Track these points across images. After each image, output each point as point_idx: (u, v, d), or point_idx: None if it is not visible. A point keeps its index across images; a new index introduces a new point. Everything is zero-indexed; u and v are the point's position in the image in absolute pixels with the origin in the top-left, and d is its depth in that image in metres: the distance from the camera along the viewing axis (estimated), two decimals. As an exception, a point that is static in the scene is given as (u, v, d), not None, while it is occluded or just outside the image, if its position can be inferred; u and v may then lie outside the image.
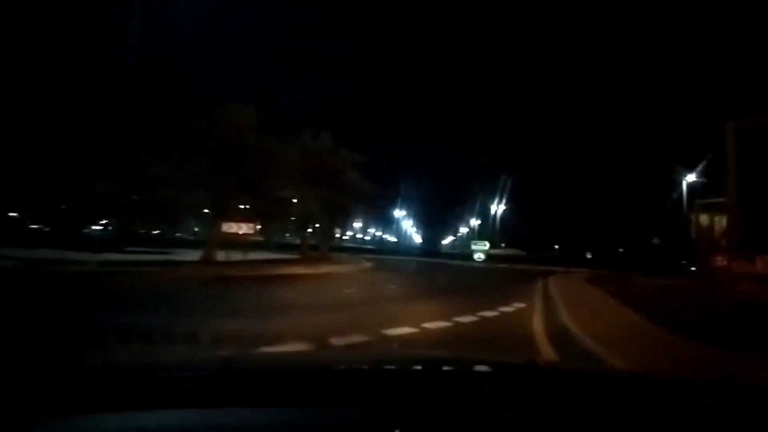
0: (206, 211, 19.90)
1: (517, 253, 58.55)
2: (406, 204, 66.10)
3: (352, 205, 28.35)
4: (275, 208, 21.03)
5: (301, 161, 23.55)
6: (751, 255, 26.05)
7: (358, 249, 59.64)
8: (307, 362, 2.00)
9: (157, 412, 1.06)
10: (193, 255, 20.32)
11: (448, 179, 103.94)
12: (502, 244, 59.26)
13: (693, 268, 31.35)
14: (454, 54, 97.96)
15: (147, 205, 19.42)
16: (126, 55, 19.15)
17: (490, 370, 1.76)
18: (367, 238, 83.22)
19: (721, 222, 30.87)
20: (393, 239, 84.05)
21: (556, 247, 69.38)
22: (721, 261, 29.00)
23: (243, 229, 20.87)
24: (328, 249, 35.36)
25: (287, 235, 42.11)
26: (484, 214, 59.15)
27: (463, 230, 76.08)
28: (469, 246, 54.08)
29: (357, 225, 68.77)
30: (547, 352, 6.29)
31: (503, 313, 10.35)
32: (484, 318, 9.35)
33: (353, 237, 78.30)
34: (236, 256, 20.14)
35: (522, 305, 12.04)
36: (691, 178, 31.58)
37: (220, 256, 20.06)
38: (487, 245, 49.16)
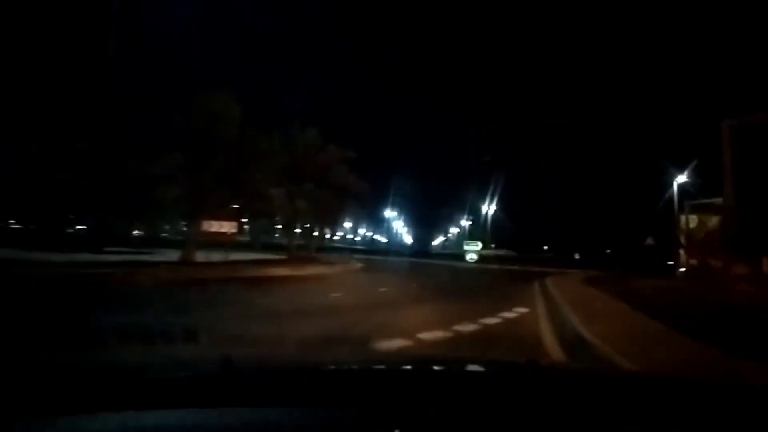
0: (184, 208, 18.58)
1: (508, 254, 58.27)
2: (397, 204, 65.33)
3: (340, 204, 27.16)
4: (258, 205, 19.73)
5: (287, 156, 22.41)
6: (757, 257, 25.47)
7: (348, 249, 58.88)
8: (307, 362, 1.98)
9: (157, 412, 1.05)
10: (175, 255, 19.10)
11: (438, 179, 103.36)
12: (492, 245, 58.66)
13: (682, 269, 31.19)
14: (447, 54, 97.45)
15: (120, 203, 18.10)
16: (109, 45, 17.93)
17: (490, 370, 1.77)
18: (358, 238, 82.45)
19: (708, 223, 30.43)
20: (383, 240, 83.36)
21: (546, 247, 69.52)
22: (716, 262, 28.77)
23: (225, 227, 19.65)
24: (316, 249, 34.23)
25: (276, 235, 40.97)
26: (475, 215, 58.43)
27: (454, 231, 75.51)
28: (460, 246, 53.67)
29: (347, 225, 68.08)
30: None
31: (506, 320, 9.35)
32: (486, 326, 8.34)
33: (343, 237, 77.68)
34: (217, 256, 18.97)
35: (525, 310, 11.08)
36: (682, 179, 31.16)
37: (201, 256, 18.88)
38: (479, 245, 48.44)
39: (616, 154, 75.96)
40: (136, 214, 19.70)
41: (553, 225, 67.56)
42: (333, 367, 1.75)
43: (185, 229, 34.45)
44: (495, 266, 42.07)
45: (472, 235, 53.36)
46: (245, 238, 49.80)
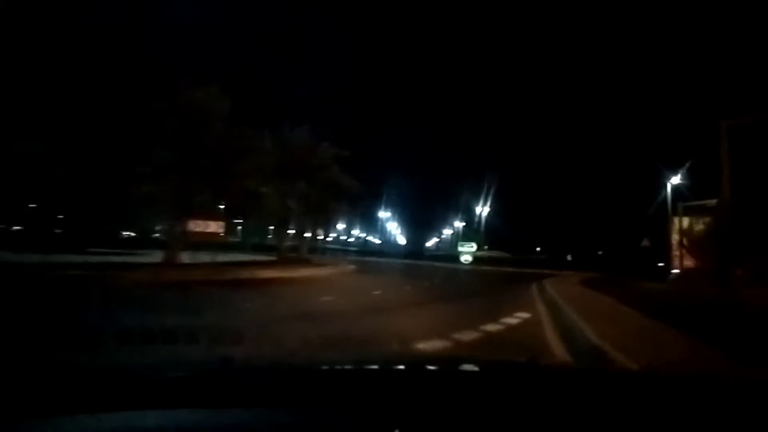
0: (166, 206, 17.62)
1: (501, 255, 58.01)
2: (391, 205, 64.72)
3: (332, 203, 26.36)
4: (247, 204, 18.87)
5: (278, 154, 21.60)
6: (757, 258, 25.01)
7: (341, 251, 58.33)
8: (307, 362, 1.99)
9: (157, 412, 1.04)
10: (162, 257, 18.20)
11: (431, 180, 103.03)
12: (485, 246, 58.26)
13: (675, 271, 30.63)
14: (442, 55, 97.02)
15: (100, 201, 17.22)
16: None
17: (490, 369, 1.77)
18: (351, 239, 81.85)
19: (698, 225, 29.77)
20: (377, 241, 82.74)
21: (538, 249, 69.45)
22: (711, 264, 28.49)
23: (212, 227, 18.81)
24: (308, 250, 33.41)
25: (269, 236, 40.11)
26: (468, 216, 57.87)
27: (447, 232, 75.04)
28: (454, 248, 53.21)
29: (340, 226, 67.47)
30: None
31: (509, 327, 8.65)
32: (488, 334, 7.65)
33: (336, 238, 77.03)
34: (203, 257, 18.13)
35: (527, 315, 10.41)
36: (675, 180, 30.90)
37: (186, 257, 18.03)
38: (474, 247, 47.88)
39: (609, 156, 76.01)
40: (117, 212, 18.82)
41: (546, 226, 67.43)
42: (333, 367, 1.73)
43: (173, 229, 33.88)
44: (489, 268, 41.60)
45: (465, 236, 52.81)
46: (237, 239, 49.24)
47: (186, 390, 1.18)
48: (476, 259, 46.56)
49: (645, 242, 37.50)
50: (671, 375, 2.18)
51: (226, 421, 1.03)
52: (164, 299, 9.79)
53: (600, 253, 60.75)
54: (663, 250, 33.41)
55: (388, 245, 78.06)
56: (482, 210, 54.86)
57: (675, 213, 31.21)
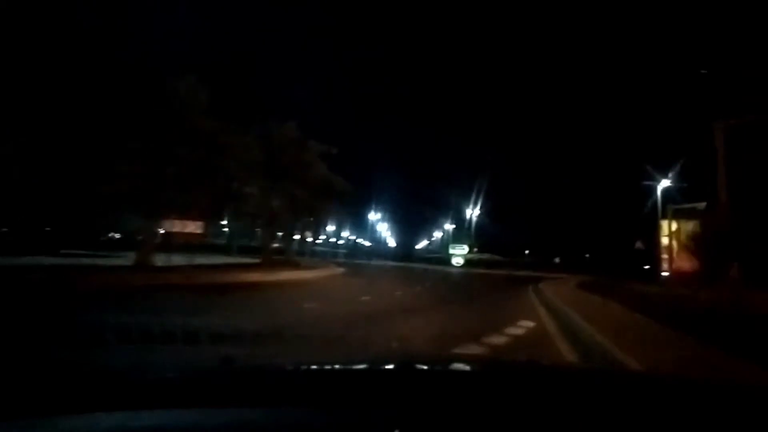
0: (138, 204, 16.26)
1: (492, 258, 57.63)
2: (381, 207, 63.79)
3: (320, 203, 25.20)
4: (229, 203, 17.63)
5: (262, 151, 20.42)
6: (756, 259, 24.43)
7: (330, 253, 57.47)
8: (306, 362, 1.93)
9: (157, 411, 1.03)
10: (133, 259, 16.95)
11: (422, 182, 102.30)
12: (475, 249, 57.66)
13: (665, 273, 30.46)
14: (434, 57, 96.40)
15: (69, 198, 15.92)
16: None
17: (490, 369, 1.79)
18: (341, 242, 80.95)
19: (687, 227, 29.89)
20: (367, 243, 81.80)
21: (527, 252, 69.40)
22: (702, 266, 28.30)
23: (190, 227, 17.57)
24: (295, 253, 32.24)
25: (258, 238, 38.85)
26: (458, 218, 57.05)
27: (437, 234, 74.31)
28: (445, 250, 52.53)
29: (330, 228, 66.53)
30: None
31: (516, 339, 7.64)
32: (494, 349, 6.62)
33: (326, 240, 76.21)
34: (180, 260, 16.94)
35: (531, 324, 9.42)
36: (665, 183, 30.70)
37: (161, 259, 16.83)
38: (466, 249, 47.04)
39: (597, 159, 75.89)
40: (89, 212, 17.50)
41: (534, 229, 67.22)
42: (333, 366, 1.72)
43: (161, 231, 32.51)
44: (481, 270, 40.89)
45: (456, 238, 52.00)
46: (222, 241, 47.83)
47: (186, 390, 1.16)
48: (467, 262, 45.90)
49: (639, 244, 37.10)
50: (672, 376, 2.06)
51: (226, 421, 1.01)
52: (121, 307, 8.64)
53: (587, 255, 60.81)
54: (652, 252, 33.46)
55: (378, 248, 77.47)
56: (472, 212, 54.00)
57: (665, 216, 31.00)
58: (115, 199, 14.93)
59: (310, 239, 67.06)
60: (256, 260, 24.67)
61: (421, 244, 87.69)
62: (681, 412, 1.15)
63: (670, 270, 30.61)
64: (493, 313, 11.29)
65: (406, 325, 8.56)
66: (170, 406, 1.04)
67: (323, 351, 5.76)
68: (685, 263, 29.25)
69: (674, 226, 31.24)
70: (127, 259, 17.21)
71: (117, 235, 40.73)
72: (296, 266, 24.28)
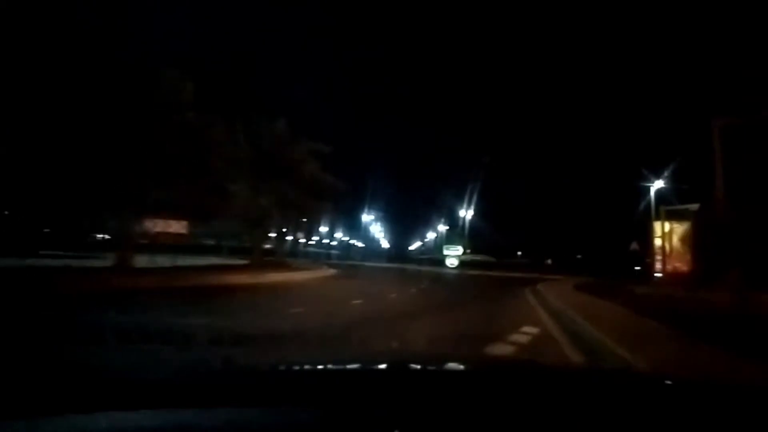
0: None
1: (485, 259, 57.29)
2: (374, 208, 63.11)
3: (311, 202, 24.40)
4: (212, 201, 16.80)
5: (251, 148, 19.64)
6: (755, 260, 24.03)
7: (323, 254, 56.92)
8: (306, 362, 1.91)
9: (157, 412, 1.02)
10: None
11: (415, 183, 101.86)
12: (467, 250, 57.22)
13: (658, 275, 29.94)
14: (425, 58, 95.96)
15: (47, 198, 15.01)
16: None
17: (490, 369, 1.79)
18: (334, 243, 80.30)
19: (678, 229, 29.80)
20: (360, 244, 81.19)
21: (519, 253, 69.23)
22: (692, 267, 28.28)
23: (173, 227, 16.72)
24: (286, 254, 31.43)
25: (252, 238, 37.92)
26: (451, 219, 56.44)
27: (431, 235, 73.75)
28: (439, 251, 52.03)
29: (323, 229, 65.84)
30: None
31: (521, 348, 6.93)
32: (499, 361, 5.91)
33: (319, 242, 75.66)
34: (164, 261, 16.13)
35: (535, 330, 8.73)
36: (658, 184, 30.60)
37: (143, 261, 16.00)
38: (460, 250, 46.39)
39: (590, 160, 75.77)
40: (66, 210, 16.57)
41: (526, 230, 67.05)
42: (333, 366, 1.71)
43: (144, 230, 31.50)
44: (476, 272, 40.30)
45: (449, 239, 51.39)
46: (218, 242, 46.85)
47: (186, 390, 1.14)
48: (461, 263, 45.28)
49: (634, 246, 36.82)
50: (673, 376, 2.05)
51: (225, 421, 1.01)
52: (82, 311, 7.84)
53: (579, 257, 60.74)
54: (645, 253, 33.35)
55: (372, 249, 76.88)
56: (466, 213, 53.37)
57: (658, 217, 30.96)
58: (93, 196, 14.05)
59: (303, 240, 66.38)
60: (245, 261, 23.87)
61: (415, 245, 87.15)
62: (683, 412, 1.14)
63: (663, 271, 30.54)
64: (493, 318, 10.59)
65: (400, 332, 7.81)
66: (170, 406, 1.03)
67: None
68: (678, 264, 29.23)
69: (667, 227, 31.20)
70: (109, 260, 16.36)
71: (106, 236, 39.69)
72: (286, 267, 23.51)
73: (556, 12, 72.24)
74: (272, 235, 29.08)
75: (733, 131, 32.80)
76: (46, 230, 31.26)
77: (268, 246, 30.40)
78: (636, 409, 1.13)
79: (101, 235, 40.00)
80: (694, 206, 32.57)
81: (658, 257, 30.70)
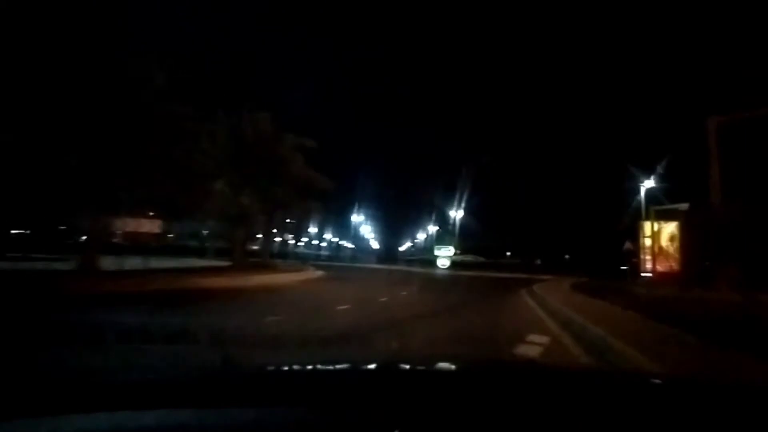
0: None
1: (476, 260, 56.74)
2: (364, 208, 62.12)
3: (296, 201, 23.23)
4: (187, 199, 15.56)
5: (231, 143, 18.45)
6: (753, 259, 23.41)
7: (312, 255, 55.96)
8: (306, 363, 1.96)
9: (157, 412, 1.02)
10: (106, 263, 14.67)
11: (405, 184, 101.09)
12: (457, 251, 56.55)
13: (647, 274, 29.93)
14: (413, 58, 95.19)
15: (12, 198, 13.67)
16: None
17: (490, 369, 1.76)
18: (324, 244, 79.35)
19: (669, 228, 29.97)
20: (350, 245, 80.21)
21: (508, 253, 69.07)
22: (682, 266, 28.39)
23: (145, 226, 15.47)
24: (272, 255, 30.17)
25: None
26: (441, 220, 55.57)
27: (421, 236, 72.94)
28: (429, 252, 51.20)
29: (312, 230, 64.72)
30: None
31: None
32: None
33: (308, 243, 74.72)
34: (135, 263, 14.90)
35: (544, 340, 7.70)
36: (649, 183, 30.43)
37: (112, 263, 14.77)
38: (452, 251, 45.49)
39: (579, 160, 75.70)
40: (41, 212, 15.18)
41: (515, 230, 66.69)
42: (333, 366, 1.70)
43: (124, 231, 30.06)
44: (468, 273, 39.45)
45: (440, 239, 50.51)
46: (198, 243, 45.39)
47: (186, 390, 1.15)
48: (452, 264, 44.44)
49: (628, 245, 36.42)
50: (673, 376, 2.11)
51: (226, 421, 1.01)
52: (35, 322, 6.65)
53: (567, 257, 60.77)
54: (635, 253, 33.42)
55: (362, 250, 75.97)
56: (457, 213, 52.49)
57: (647, 217, 30.83)
58: (51, 193, 12.76)
59: (292, 241, 65.11)
60: (228, 263, 22.64)
61: (405, 246, 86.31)
62: (679, 412, 1.12)
63: (653, 271, 30.34)
64: (494, 325, 9.56)
65: (390, 345, 6.72)
66: (170, 406, 1.03)
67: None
68: (667, 264, 29.28)
69: (656, 227, 31.18)
70: (72, 263, 15.05)
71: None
72: (271, 269, 22.32)
73: (555, 12, 71.81)
74: (260, 236, 27.90)
75: (727, 129, 32.28)
76: (26, 232, 30.06)
77: (255, 247, 29.20)
78: (636, 408, 1.11)
79: (84, 237, 38.56)
80: (684, 206, 32.21)
81: (648, 257, 30.59)
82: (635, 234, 32.13)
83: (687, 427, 1.03)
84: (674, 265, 28.87)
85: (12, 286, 10.25)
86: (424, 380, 1.42)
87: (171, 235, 50.76)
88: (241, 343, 5.99)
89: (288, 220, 32.63)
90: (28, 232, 30.53)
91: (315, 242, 76.77)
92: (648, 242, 30.49)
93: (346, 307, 11.01)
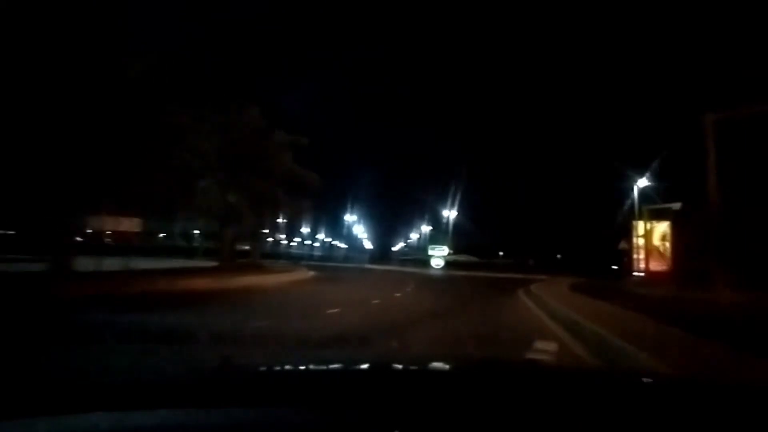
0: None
1: (469, 260, 56.40)
2: (357, 208, 61.53)
3: (286, 199, 22.48)
4: (168, 196, 14.76)
5: (219, 137, 17.67)
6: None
7: (305, 255, 55.29)
8: (306, 362, 1.92)
9: (157, 412, 1.01)
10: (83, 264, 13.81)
11: (398, 183, 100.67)
12: (450, 251, 56.16)
13: (639, 273, 30.07)
14: (406, 58, 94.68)
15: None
16: None
17: (490, 369, 1.74)
18: (316, 244, 78.78)
19: (658, 229, 29.88)
20: (343, 245, 79.60)
21: (501, 253, 69.14)
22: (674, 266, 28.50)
23: (123, 224, 14.68)
24: (262, 255, 29.38)
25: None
26: (434, 220, 55.08)
27: (414, 236, 72.53)
28: (423, 251, 50.72)
29: (305, 230, 63.98)
30: None
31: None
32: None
33: (301, 243, 74.12)
34: (114, 264, 14.10)
35: (552, 347, 7.07)
36: (642, 183, 30.29)
37: (91, 263, 13.96)
38: (446, 250, 44.93)
39: (574, 158, 75.64)
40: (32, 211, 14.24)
41: (508, 230, 66.60)
42: (333, 366, 1.71)
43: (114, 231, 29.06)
44: (462, 273, 38.92)
45: (434, 239, 49.98)
46: (186, 243, 44.44)
47: (185, 390, 1.15)
48: (446, 264, 43.94)
49: (623, 244, 36.15)
50: (673, 376, 2.10)
51: (225, 421, 1.00)
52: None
53: (558, 256, 60.93)
54: (627, 252, 33.06)
55: (355, 249, 75.37)
56: (450, 213, 51.95)
57: (640, 216, 30.73)
58: (23, 190, 11.93)
59: (284, 241, 64.40)
60: (216, 264, 21.85)
61: (398, 246, 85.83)
62: (679, 412, 1.12)
63: (645, 270, 29.79)
64: (496, 330, 8.90)
65: (384, 355, 6.02)
66: (170, 406, 1.03)
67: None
68: (660, 263, 29.01)
69: (648, 226, 31.13)
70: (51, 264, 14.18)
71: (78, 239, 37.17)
72: (260, 270, 21.56)
73: (551, 11, 71.66)
74: (252, 235, 27.17)
75: (723, 127, 31.90)
76: (8, 233, 29.12)
77: (245, 247, 28.44)
78: (637, 408, 1.11)
79: (80, 239, 37.44)
80: (677, 205, 31.95)
81: (641, 256, 30.42)
82: (628, 233, 32.00)
83: (687, 427, 1.02)
84: (666, 265, 28.84)
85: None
86: (424, 380, 1.43)
87: (162, 235, 49.78)
88: (219, 351, 5.27)
89: (279, 220, 31.90)
90: (12, 232, 29.59)
91: (308, 242, 76.11)
92: (641, 242, 30.54)
93: (336, 310, 10.29)
